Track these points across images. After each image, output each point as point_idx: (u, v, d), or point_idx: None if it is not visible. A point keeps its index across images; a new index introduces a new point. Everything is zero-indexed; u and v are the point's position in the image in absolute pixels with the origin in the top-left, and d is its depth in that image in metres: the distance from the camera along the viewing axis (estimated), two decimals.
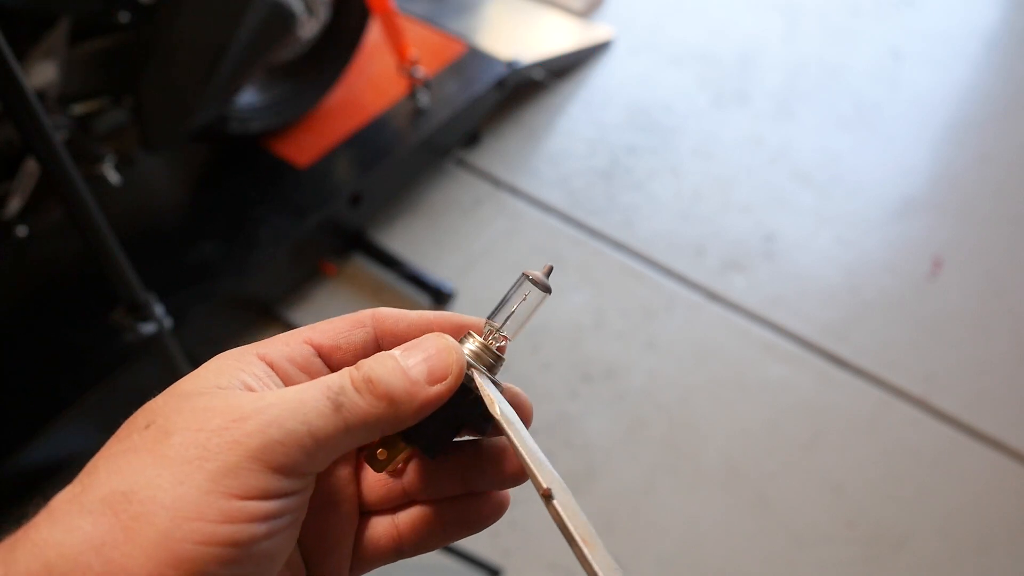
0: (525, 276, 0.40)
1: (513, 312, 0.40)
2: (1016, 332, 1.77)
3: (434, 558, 1.37)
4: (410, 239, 1.94)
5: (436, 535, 0.37)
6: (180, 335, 1.23)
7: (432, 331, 0.37)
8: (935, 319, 1.80)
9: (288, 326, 1.75)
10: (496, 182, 2.09)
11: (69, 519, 0.28)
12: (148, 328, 1.05)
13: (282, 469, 0.29)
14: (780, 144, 2.18)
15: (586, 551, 0.30)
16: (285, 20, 1.57)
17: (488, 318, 0.40)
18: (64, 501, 0.29)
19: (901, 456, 1.59)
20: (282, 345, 0.35)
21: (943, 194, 2.08)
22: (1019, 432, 1.60)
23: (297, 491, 0.30)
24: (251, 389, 0.32)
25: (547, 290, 0.40)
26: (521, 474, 0.37)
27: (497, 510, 0.38)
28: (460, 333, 0.39)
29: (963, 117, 2.30)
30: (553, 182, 2.09)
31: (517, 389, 0.39)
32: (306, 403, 0.30)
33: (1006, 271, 1.89)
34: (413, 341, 0.35)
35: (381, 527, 0.37)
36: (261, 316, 1.76)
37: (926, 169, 2.15)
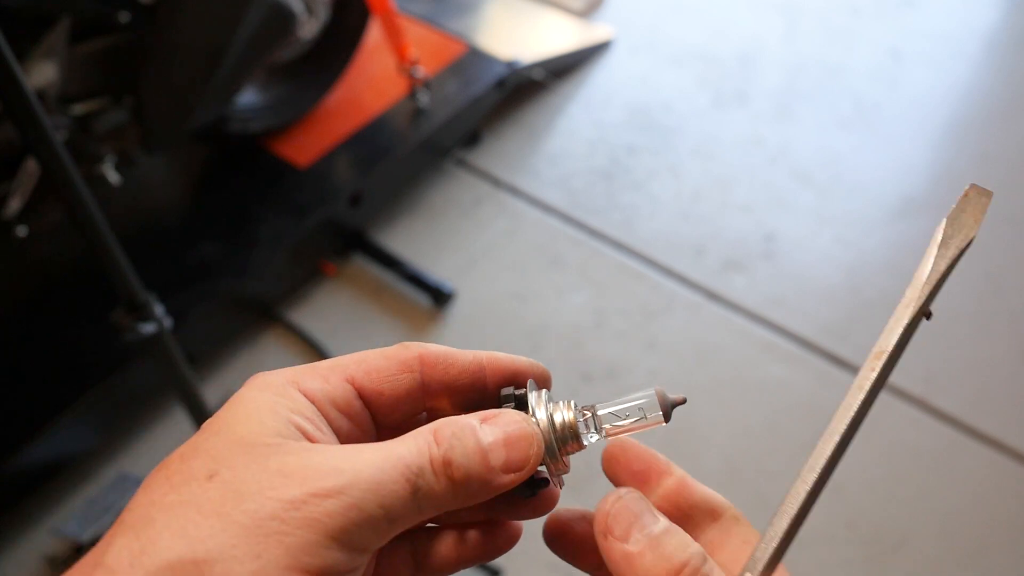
0: (657, 394, 0.36)
1: (621, 420, 0.37)
2: (1016, 332, 1.77)
3: None
4: (410, 239, 1.94)
5: (451, 562, 0.37)
6: (180, 335, 1.23)
7: (485, 376, 0.36)
8: (935, 319, 1.80)
9: (288, 326, 1.75)
10: (496, 182, 2.09)
11: None
12: (148, 328, 1.05)
13: (356, 548, 0.29)
14: (780, 144, 2.18)
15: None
16: (285, 20, 1.57)
17: (582, 406, 0.37)
18: (125, 564, 0.27)
19: (901, 456, 1.59)
20: (322, 381, 0.33)
21: (943, 194, 2.08)
22: (1019, 432, 1.60)
23: (364, 563, 0.30)
24: (308, 437, 0.31)
25: (666, 419, 0.36)
26: (543, 506, 0.37)
27: (511, 540, 0.38)
28: (513, 380, 0.37)
29: (963, 117, 2.30)
30: (553, 182, 2.09)
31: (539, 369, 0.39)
32: (384, 485, 0.29)
33: (1006, 271, 1.89)
34: (492, 413, 0.33)
35: (402, 551, 0.36)
36: (261, 316, 1.76)
37: (926, 169, 2.15)
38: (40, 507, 1.48)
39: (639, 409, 0.36)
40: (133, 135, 1.60)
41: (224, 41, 1.48)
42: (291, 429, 0.31)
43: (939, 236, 0.33)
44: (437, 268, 1.86)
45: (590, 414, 0.36)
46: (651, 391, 0.36)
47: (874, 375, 0.34)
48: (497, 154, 2.16)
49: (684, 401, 0.37)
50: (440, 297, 1.78)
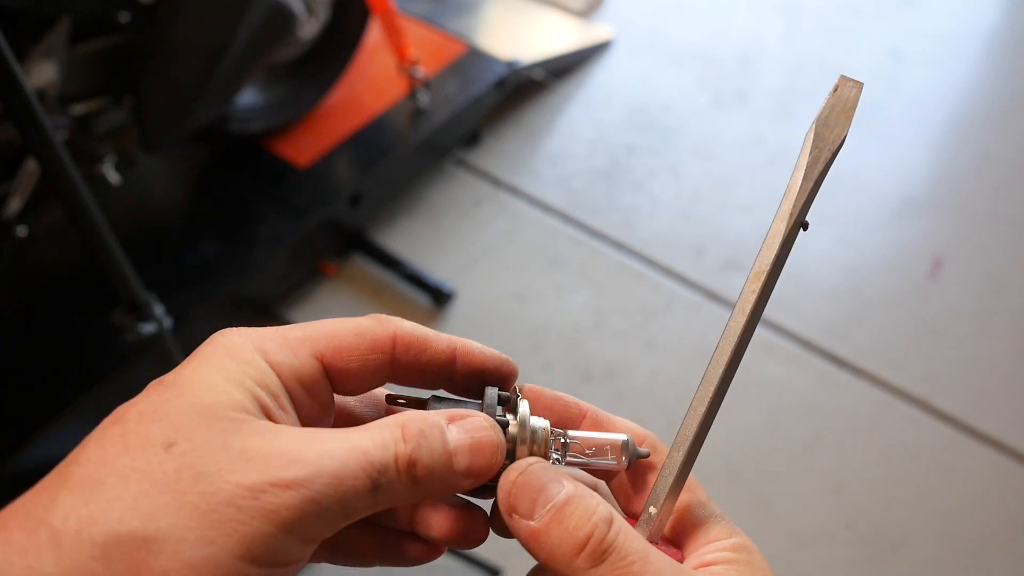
0: (625, 442, 0.36)
1: (587, 452, 0.36)
2: (1016, 332, 1.77)
3: None
4: (410, 239, 1.94)
5: (367, 555, 0.36)
6: (180, 335, 1.23)
7: (455, 365, 0.36)
8: (935, 319, 1.80)
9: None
10: (496, 182, 2.09)
11: (78, 555, 0.26)
12: (148, 328, 1.05)
13: (308, 539, 0.29)
14: (780, 144, 2.18)
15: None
16: (285, 20, 1.57)
17: (554, 428, 0.36)
18: (72, 529, 0.26)
19: (901, 456, 1.59)
20: (290, 354, 0.32)
21: (943, 194, 2.08)
22: (1019, 432, 1.60)
23: (311, 551, 0.30)
24: (270, 415, 0.30)
25: (628, 466, 0.36)
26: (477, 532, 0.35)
27: (427, 555, 0.36)
28: (482, 373, 0.36)
29: (963, 117, 2.30)
30: (553, 182, 2.09)
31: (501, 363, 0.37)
32: (345, 481, 0.29)
33: (1006, 271, 1.89)
34: (460, 413, 0.33)
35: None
36: (261, 316, 1.76)
37: (926, 169, 2.15)
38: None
39: (605, 449, 0.36)
40: (133, 135, 1.60)
41: (224, 41, 1.48)
42: (254, 404, 0.30)
43: (809, 140, 0.31)
44: (437, 268, 1.86)
45: (562, 438, 0.36)
46: (623, 437, 0.36)
47: (755, 296, 0.32)
48: (497, 154, 2.16)
49: (647, 455, 0.37)
50: (440, 297, 1.78)
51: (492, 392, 0.35)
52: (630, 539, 0.31)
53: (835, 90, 0.31)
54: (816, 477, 1.56)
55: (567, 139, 2.21)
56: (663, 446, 0.38)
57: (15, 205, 1.45)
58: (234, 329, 0.33)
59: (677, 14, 2.58)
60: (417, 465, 0.30)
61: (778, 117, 2.25)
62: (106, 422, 0.30)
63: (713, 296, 1.84)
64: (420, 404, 0.35)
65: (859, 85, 0.31)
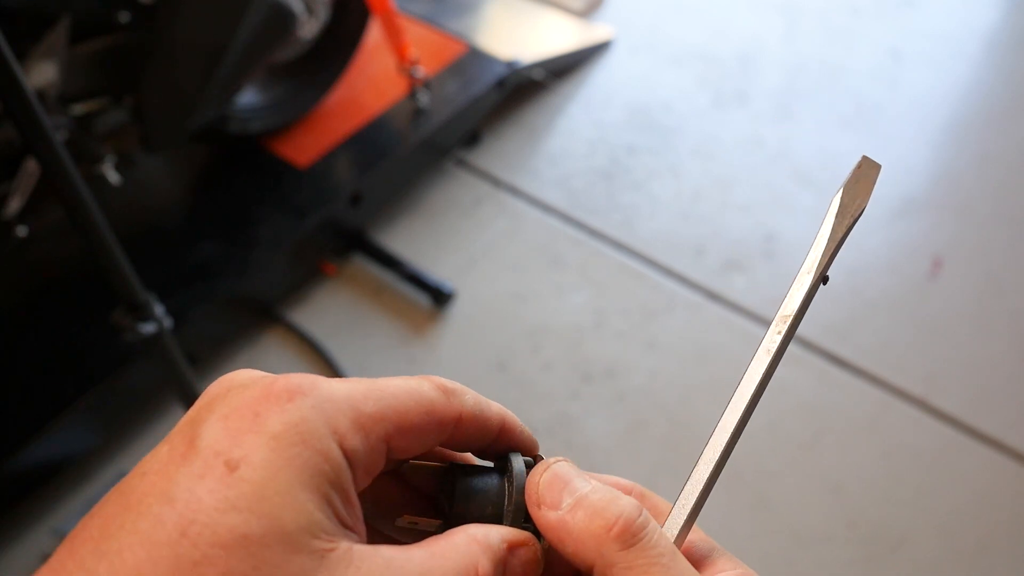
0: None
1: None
2: (1016, 332, 1.77)
3: None
4: (410, 239, 1.94)
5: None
6: (180, 335, 1.23)
7: (497, 437, 0.34)
8: (935, 319, 1.80)
9: (288, 326, 1.75)
10: (496, 182, 2.09)
11: None
12: (148, 328, 1.05)
13: None
14: (780, 144, 2.18)
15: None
16: (285, 20, 1.57)
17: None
18: None
19: (901, 456, 1.59)
20: (363, 439, 0.28)
21: (943, 194, 2.08)
22: (1019, 432, 1.60)
23: None
24: (341, 520, 0.27)
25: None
26: None
27: None
28: (513, 445, 0.36)
29: (963, 117, 2.30)
30: (553, 182, 2.09)
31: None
32: None
33: (1006, 271, 1.89)
34: (521, 540, 0.32)
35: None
36: (261, 316, 1.76)
37: (926, 169, 2.15)
38: (40, 507, 1.48)
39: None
40: (133, 135, 1.60)
41: (224, 41, 1.48)
42: (329, 516, 0.26)
43: (836, 205, 0.36)
44: (437, 268, 1.86)
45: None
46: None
47: (779, 338, 0.36)
48: (497, 154, 2.16)
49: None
50: (440, 297, 1.78)
51: (519, 462, 0.34)
52: (659, 532, 0.31)
53: (858, 167, 0.37)
54: (816, 477, 1.56)
55: (567, 139, 2.21)
56: (651, 493, 0.38)
57: (15, 205, 1.45)
58: (302, 387, 0.28)
59: (677, 14, 2.58)
60: None
61: (778, 117, 2.25)
62: (160, 507, 0.24)
63: (713, 296, 1.84)
64: (442, 472, 0.35)
65: (877, 167, 0.37)
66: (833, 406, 1.66)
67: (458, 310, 1.81)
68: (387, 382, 0.31)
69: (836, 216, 0.36)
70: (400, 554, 0.27)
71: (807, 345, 1.75)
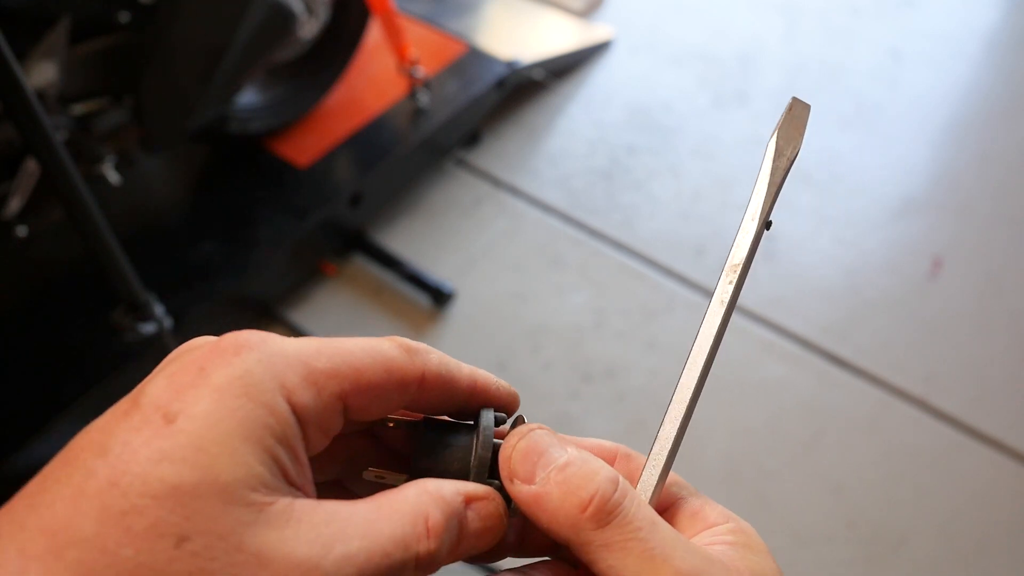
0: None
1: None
2: (1016, 332, 1.77)
3: None
4: (410, 239, 1.94)
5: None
6: (180, 335, 1.23)
7: (469, 402, 0.34)
8: (935, 319, 1.80)
9: (288, 326, 1.75)
10: (496, 182, 2.09)
11: None
12: (148, 328, 1.05)
13: None
14: None
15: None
16: (285, 20, 1.57)
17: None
18: None
19: (901, 456, 1.59)
20: (315, 394, 0.28)
21: (943, 194, 2.08)
22: (1019, 432, 1.60)
23: None
24: (287, 476, 0.26)
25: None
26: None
27: None
28: (487, 404, 0.35)
29: (963, 117, 2.30)
30: (553, 182, 2.09)
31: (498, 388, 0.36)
32: None
33: (1006, 271, 1.89)
34: (478, 494, 0.31)
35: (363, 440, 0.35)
36: (261, 316, 1.76)
37: (926, 169, 2.15)
38: None
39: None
40: (133, 135, 1.60)
41: (224, 41, 1.48)
42: (272, 470, 0.26)
43: (772, 149, 0.37)
44: (437, 268, 1.86)
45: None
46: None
47: (731, 288, 0.36)
48: (497, 154, 2.16)
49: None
50: (440, 297, 1.78)
51: (489, 416, 0.34)
52: (637, 504, 0.30)
53: (790, 109, 0.37)
54: (816, 477, 1.56)
55: (567, 139, 2.21)
56: (636, 453, 0.38)
57: (15, 205, 1.45)
58: (250, 342, 0.27)
59: (677, 14, 2.58)
60: (434, 561, 0.29)
61: (778, 117, 2.25)
62: (94, 460, 0.24)
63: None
64: (412, 426, 0.34)
65: (808, 107, 0.37)
66: (833, 406, 1.66)
67: (458, 310, 1.81)
68: (344, 340, 0.30)
69: (773, 160, 0.37)
70: (344, 508, 0.27)
71: (807, 345, 1.75)
